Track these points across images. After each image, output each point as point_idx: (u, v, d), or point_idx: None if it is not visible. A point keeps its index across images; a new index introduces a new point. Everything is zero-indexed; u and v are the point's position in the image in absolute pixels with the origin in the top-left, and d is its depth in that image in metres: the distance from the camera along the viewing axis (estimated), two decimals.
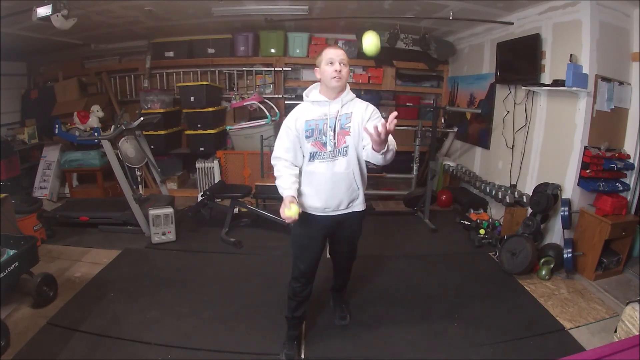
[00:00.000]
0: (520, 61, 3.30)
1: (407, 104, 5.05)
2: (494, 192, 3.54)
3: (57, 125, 4.00)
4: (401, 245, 3.33)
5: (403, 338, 2.10)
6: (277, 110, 4.61)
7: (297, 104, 1.83)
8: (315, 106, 1.76)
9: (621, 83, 2.80)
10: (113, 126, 3.54)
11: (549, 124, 3.11)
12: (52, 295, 2.35)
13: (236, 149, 4.69)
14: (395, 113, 1.43)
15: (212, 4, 3.51)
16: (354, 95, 1.80)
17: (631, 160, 2.84)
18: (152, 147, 3.99)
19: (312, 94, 1.79)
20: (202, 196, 3.73)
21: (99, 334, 2.06)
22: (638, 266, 2.86)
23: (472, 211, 3.90)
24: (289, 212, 1.61)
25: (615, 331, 1.88)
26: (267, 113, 4.50)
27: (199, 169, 4.42)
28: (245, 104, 4.58)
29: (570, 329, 2.18)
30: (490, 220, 3.66)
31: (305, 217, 1.78)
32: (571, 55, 2.74)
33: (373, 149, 1.51)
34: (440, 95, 5.07)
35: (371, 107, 1.78)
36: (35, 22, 2.74)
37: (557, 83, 2.83)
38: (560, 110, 2.97)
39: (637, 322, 1.73)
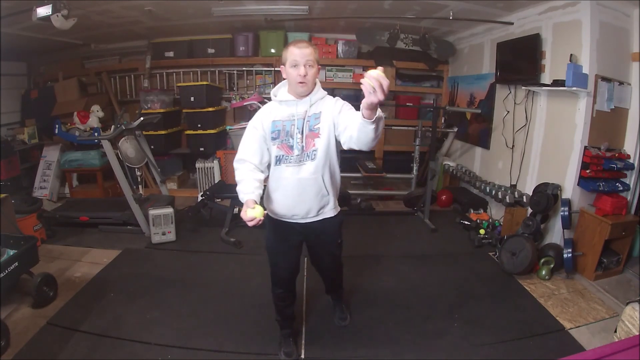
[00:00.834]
0: (520, 61, 3.29)
1: (407, 104, 5.04)
2: (494, 192, 3.54)
3: (57, 125, 4.00)
4: (401, 245, 3.33)
5: (403, 338, 2.10)
6: None
7: None
8: (283, 106, 1.63)
9: (621, 83, 2.80)
10: (113, 126, 3.53)
11: (549, 124, 3.11)
12: (52, 295, 2.35)
13: (236, 149, 4.67)
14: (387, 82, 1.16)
15: (212, 4, 3.51)
16: (325, 93, 1.66)
17: (631, 160, 2.84)
18: (152, 147, 3.99)
19: (280, 92, 1.66)
20: (202, 196, 3.74)
21: (99, 334, 2.05)
22: (638, 266, 2.86)
23: (472, 211, 3.90)
24: (252, 212, 1.45)
25: (615, 331, 1.88)
26: None
27: (199, 169, 4.42)
28: (245, 104, 4.58)
29: (570, 329, 2.18)
30: (490, 220, 3.66)
31: (275, 223, 1.72)
32: (571, 55, 2.74)
33: (363, 117, 1.27)
34: (440, 95, 5.06)
35: (340, 101, 1.63)
36: (35, 22, 2.74)
37: (557, 83, 2.83)
38: (560, 110, 2.97)
39: (637, 322, 1.73)
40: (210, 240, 3.33)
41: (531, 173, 3.30)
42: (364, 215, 4.05)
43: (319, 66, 1.63)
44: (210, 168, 4.39)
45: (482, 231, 3.39)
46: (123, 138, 3.52)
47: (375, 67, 1.14)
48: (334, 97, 1.68)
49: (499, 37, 3.68)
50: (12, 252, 2.24)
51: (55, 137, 4.38)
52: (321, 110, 1.60)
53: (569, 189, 2.87)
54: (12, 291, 2.24)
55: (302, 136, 1.59)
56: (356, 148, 1.47)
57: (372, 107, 1.23)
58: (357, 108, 1.37)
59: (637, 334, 1.70)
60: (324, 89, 1.68)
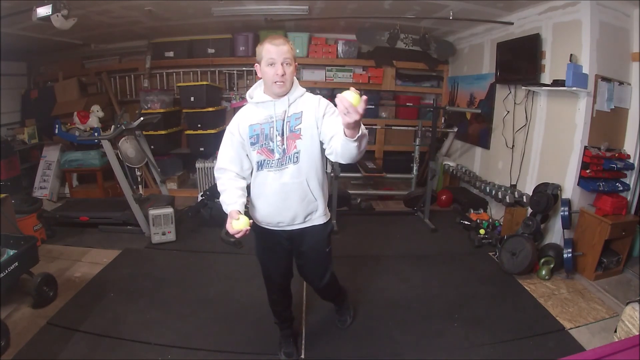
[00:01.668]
0: (520, 61, 3.29)
1: (407, 104, 5.05)
2: (494, 192, 3.54)
3: (57, 125, 4.00)
4: (401, 245, 3.33)
5: (403, 338, 2.10)
6: None
7: None
8: (259, 108, 1.52)
9: (621, 83, 2.80)
10: (113, 126, 3.53)
11: (549, 124, 3.11)
12: (52, 295, 2.35)
13: None
14: (365, 97, 1.14)
15: (212, 4, 3.51)
16: (304, 90, 1.55)
17: (631, 160, 2.84)
18: (152, 147, 3.99)
19: (256, 93, 1.54)
20: (202, 196, 3.74)
21: (99, 334, 2.06)
22: (638, 266, 2.86)
23: (472, 211, 3.90)
24: (238, 224, 1.37)
25: (615, 331, 1.87)
26: None
27: (199, 169, 4.42)
28: (245, 104, 4.58)
29: (570, 329, 2.18)
30: (490, 220, 3.66)
31: (261, 230, 1.66)
32: (571, 55, 2.74)
33: (345, 135, 1.22)
34: (440, 95, 5.06)
35: (324, 101, 1.52)
36: (35, 22, 2.74)
37: (557, 83, 2.83)
38: (560, 110, 2.97)
39: (637, 322, 1.73)
40: (210, 240, 3.33)
41: (531, 173, 3.30)
42: (364, 215, 4.06)
43: (297, 64, 1.53)
44: (210, 168, 4.39)
45: (482, 231, 3.39)
46: (123, 138, 3.53)
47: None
48: (315, 94, 1.58)
49: (499, 37, 3.68)
50: (12, 252, 2.24)
51: (55, 137, 4.37)
52: (302, 110, 1.50)
53: (569, 189, 2.87)
54: (12, 291, 2.24)
55: (283, 138, 1.49)
56: (341, 162, 1.39)
57: (352, 127, 1.16)
58: None
59: (637, 334, 1.70)
60: (319, 89, 1.61)
